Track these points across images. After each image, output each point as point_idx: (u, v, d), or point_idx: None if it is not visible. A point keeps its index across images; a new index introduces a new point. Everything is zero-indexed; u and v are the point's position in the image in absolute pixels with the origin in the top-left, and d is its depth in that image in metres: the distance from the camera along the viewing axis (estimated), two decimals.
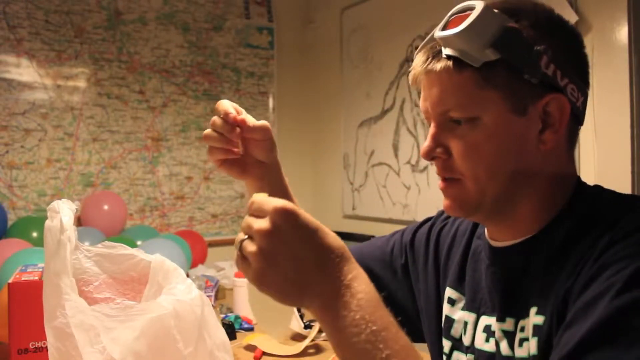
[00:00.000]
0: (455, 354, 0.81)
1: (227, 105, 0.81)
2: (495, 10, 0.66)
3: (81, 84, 2.61)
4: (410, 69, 0.74)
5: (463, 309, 0.80)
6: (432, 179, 2.40)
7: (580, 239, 0.65)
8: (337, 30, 3.02)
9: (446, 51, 0.68)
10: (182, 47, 2.87)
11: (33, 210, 2.48)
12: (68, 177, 2.58)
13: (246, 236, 0.56)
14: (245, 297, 1.77)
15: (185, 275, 0.86)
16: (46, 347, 0.73)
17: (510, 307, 0.71)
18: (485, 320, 0.75)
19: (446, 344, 0.82)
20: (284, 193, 0.90)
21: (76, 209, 0.81)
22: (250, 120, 0.82)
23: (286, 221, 0.55)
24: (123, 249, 0.89)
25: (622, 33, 1.71)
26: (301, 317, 1.67)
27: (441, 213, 0.93)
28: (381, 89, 2.71)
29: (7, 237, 2.22)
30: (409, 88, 2.55)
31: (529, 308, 0.68)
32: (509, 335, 0.70)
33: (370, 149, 2.80)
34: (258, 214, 0.56)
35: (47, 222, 0.79)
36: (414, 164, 2.52)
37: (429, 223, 0.94)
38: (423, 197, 2.45)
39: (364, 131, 2.84)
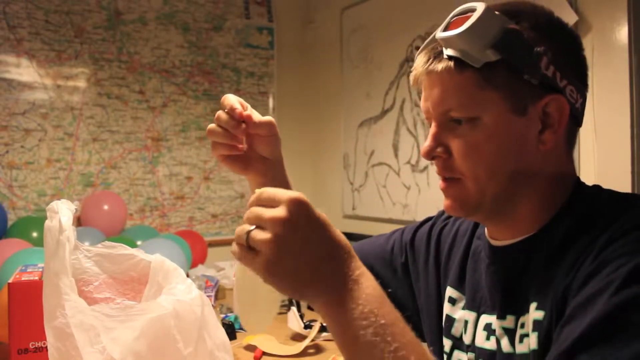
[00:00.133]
0: (456, 353, 0.81)
1: (233, 100, 0.80)
2: (496, 12, 0.67)
3: (81, 84, 2.61)
4: (411, 70, 0.75)
5: (463, 308, 0.81)
6: (432, 179, 2.40)
7: (579, 237, 0.65)
8: (337, 30, 3.02)
9: (447, 52, 0.69)
10: (182, 47, 2.87)
11: (33, 210, 2.48)
12: (68, 177, 2.58)
13: (252, 227, 0.55)
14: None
15: (185, 275, 0.86)
16: (46, 347, 0.73)
17: (510, 305, 0.72)
18: (485, 318, 0.76)
19: (447, 343, 0.83)
20: (286, 189, 0.90)
21: (75, 209, 0.81)
22: (256, 116, 0.81)
23: (302, 211, 0.55)
24: (123, 249, 0.89)
25: (622, 33, 1.71)
26: (301, 317, 1.67)
27: (442, 213, 0.94)
28: (381, 89, 2.71)
29: (7, 237, 2.22)
30: (409, 88, 2.55)
31: (528, 304, 0.68)
32: (510, 333, 0.71)
33: (370, 149, 2.80)
34: (270, 204, 0.56)
35: (47, 223, 0.79)
36: (414, 164, 2.52)
37: (430, 223, 0.94)
38: (423, 197, 2.45)
39: (364, 131, 2.84)
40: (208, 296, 1.60)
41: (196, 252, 2.54)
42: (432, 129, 0.73)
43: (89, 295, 0.86)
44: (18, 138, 2.47)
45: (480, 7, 0.67)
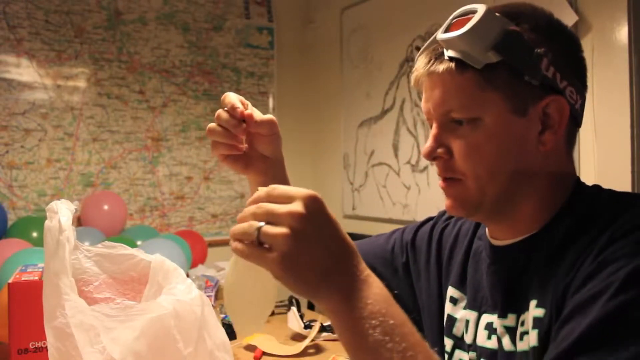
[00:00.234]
0: (457, 352, 0.81)
1: (233, 98, 0.79)
2: (497, 14, 0.68)
3: (81, 84, 2.61)
4: (412, 70, 0.76)
5: (465, 307, 0.81)
6: (432, 179, 2.40)
7: (579, 236, 0.66)
8: (337, 30, 3.02)
9: (448, 53, 0.69)
10: (182, 47, 2.87)
11: (33, 210, 2.48)
12: (68, 177, 2.58)
13: (262, 223, 0.55)
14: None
15: (185, 275, 0.86)
16: (46, 347, 0.73)
17: (511, 304, 0.72)
18: (486, 318, 0.76)
19: (448, 343, 0.83)
20: None
21: (75, 209, 0.81)
22: (257, 115, 0.80)
23: (318, 208, 0.55)
24: (123, 249, 0.89)
25: (622, 33, 1.71)
26: (301, 317, 1.67)
27: (443, 213, 0.94)
28: (381, 89, 2.71)
29: (7, 237, 2.22)
30: (409, 88, 2.55)
31: (528, 302, 0.69)
32: (511, 331, 0.71)
33: (370, 149, 2.80)
34: (283, 200, 0.55)
35: (47, 223, 0.79)
36: (414, 164, 2.52)
37: (431, 223, 0.94)
38: (423, 197, 2.46)
39: (364, 131, 2.84)
40: (208, 296, 1.60)
41: (196, 252, 2.54)
42: (433, 129, 0.73)
43: (89, 295, 0.86)
44: (18, 138, 2.47)
45: (481, 9, 0.67)
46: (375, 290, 0.57)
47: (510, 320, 0.72)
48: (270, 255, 0.54)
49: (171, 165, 2.85)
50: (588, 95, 0.74)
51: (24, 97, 2.48)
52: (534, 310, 0.67)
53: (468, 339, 0.79)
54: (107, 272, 0.88)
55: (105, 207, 2.48)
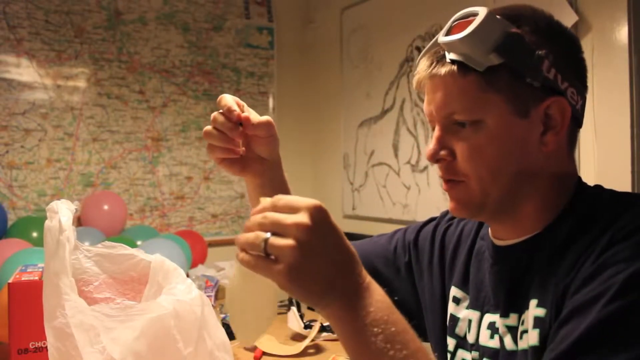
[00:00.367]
0: (460, 352, 0.82)
1: (230, 100, 0.78)
2: (498, 17, 0.68)
3: (81, 84, 2.61)
4: (414, 73, 0.76)
5: (467, 307, 0.81)
6: (432, 179, 2.40)
7: (580, 236, 0.66)
8: (337, 30, 3.02)
9: (450, 56, 0.70)
10: (182, 47, 2.87)
11: (33, 210, 2.48)
12: (68, 177, 2.58)
13: (268, 234, 0.55)
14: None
15: (185, 275, 0.86)
16: (46, 347, 0.73)
17: (513, 304, 0.73)
18: (489, 317, 0.77)
19: (450, 342, 0.83)
20: (284, 190, 0.90)
21: (75, 209, 0.81)
22: (254, 117, 0.80)
23: (323, 218, 0.55)
24: (123, 249, 0.89)
25: (622, 33, 1.71)
26: (301, 317, 1.67)
27: (445, 213, 0.95)
28: (381, 89, 2.71)
29: (7, 237, 2.22)
30: (409, 88, 2.55)
31: (529, 301, 0.69)
32: (513, 330, 0.72)
33: (370, 149, 2.80)
34: (288, 210, 0.55)
35: (47, 223, 0.79)
36: (414, 164, 2.52)
37: (434, 223, 0.95)
38: (423, 197, 2.45)
39: (364, 131, 2.84)
40: (208, 296, 1.60)
41: (196, 252, 2.53)
42: (436, 132, 0.74)
43: (89, 295, 0.86)
44: (18, 138, 2.47)
45: (482, 12, 0.67)
46: (377, 298, 0.58)
47: (512, 319, 0.72)
48: (277, 267, 0.54)
49: (171, 165, 2.85)
50: (588, 96, 0.75)
51: (24, 97, 2.48)
52: (535, 310, 0.68)
53: (471, 338, 0.79)
54: (107, 272, 0.88)
55: (105, 207, 2.48)
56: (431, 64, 0.72)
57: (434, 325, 0.88)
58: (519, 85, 0.68)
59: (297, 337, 1.62)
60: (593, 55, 1.72)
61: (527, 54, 0.67)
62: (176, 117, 2.85)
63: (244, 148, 0.84)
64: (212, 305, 1.12)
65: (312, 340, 1.53)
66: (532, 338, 0.67)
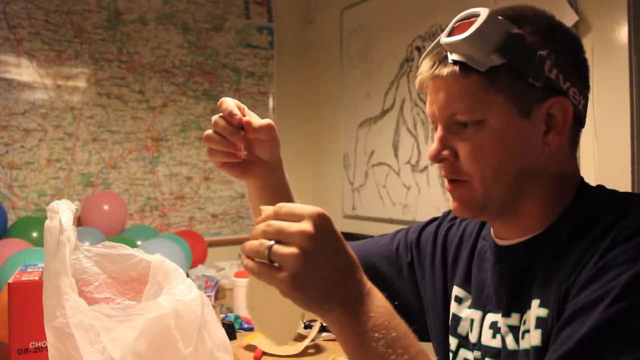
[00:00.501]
0: (462, 351, 0.82)
1: (230, 104, 0.78)
2: (500, 17, 0.68)
3: (81, 84, 2.61)
4: (417, 74, 0.76)
5: (470, 307, 0.82)
6: (432, 179, 2.40)
7: (582, 237, 0.66)
8: (337, 30, 3.02)
9: (452, 56, 0.70)
10: (182, 47, 2.87)
11: (33, 210, 2.48)
12: (68, 177, 2.58)
13: (272, 242, 0.55)
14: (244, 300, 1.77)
15: (185, 275, 0.86)
16: (46, 347, 0.73)
17: (515, 303, 0.73)
18: (491, 317, 0.77)
19: (453, 342, 0.83)
20: (285, 192, 0.90)
21: (76, 209, 0.81)
22: (255, 120, 0.79)
23: (325, 226, 0.56)
24: (123, 249, 0.89)
25: (622, 33, 1.71)
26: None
27: (447, 213, 0.95)
28: (381, 89, 2.71)
29: (7, 237, 2.22)
30: (409, 88, 2.55)
31: (531, 301, 0.69)
32: (514, 330, 0.72)
33: (370, 149, 2.80)
34: (291, 218, 0.56)
35: (47, 223, 0.79)
36: (414, 164, 2.52)
37: (436, 223, 0.95)
38: (423, 197, 2.45)
39: (364, 131, 2.84)
40: (208, 296, 1.60)
41: (196, 252, 2.53)
42: (438, 132, 0.74)
43: (89, 295, 0.86)
44: (18, 138, 2.47)
45: (484, 13, 0.68)
46: (378, 303, 0.58)
47: (514, 319, 0.72)
48: (280, 275, 0.55)
49: (171, 165, 2.85)
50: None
51: (24, 97, 2.48)
52: (537, 310, 0.68)
53: (473, 338, 0.79)
54: (107, 272, 0.88)
55: (105, 207, 2.48)
56: (433, 64, 0.72)
57: (435, 325, 0.88)
58: (521, 86, 0.68)
59: (297, 337, 1.62)
60: (593, 55, 1.72)
61: (529, 54, 0.67)
62: (176, 117, 2.85)
63: (245, 152, 0.83)
64: (212, 305, 1.12)
65: (312, 340, 1.53)
66: (534, 338, 0.67)
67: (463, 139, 0.71)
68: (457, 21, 0.71)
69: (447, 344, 0.84)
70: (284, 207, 0.57)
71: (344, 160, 2.99)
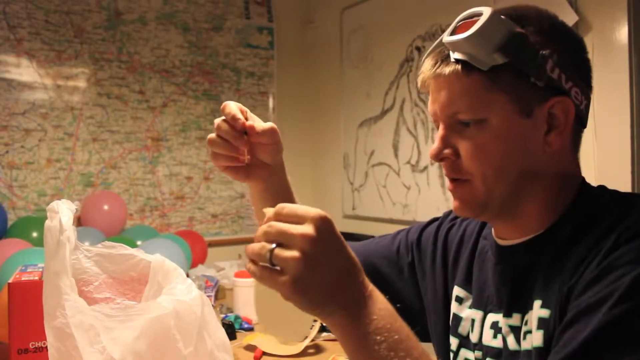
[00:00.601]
0: (463, 351, 0.82)
1: (234, 108, 0.78)
2: (502, 17, 0.68)
3: (81, 84, 2.61)
4: (419, 73, 0.76)
5: (470, 307, 0.82)
6: (432, 179, 2.40)
7: (584, 237, 0.66)
8: (337, 30, 3.02)
9: (455, 55, 0.70)
10: (182, 47, 2.87)
11: (33, 210, 2.48)
12: (68, 177, 2.58)
13: (273, 245, 0.55)
14: (248, 298, 1.77)
15: (185, 275, 0.86)
16: (46, 347, 0.73)
17: (516, 303, 0.73)
18: (492, 317, 0.77)
19: (453, 342, 0.83)
20: (288, 194, 0.90)
21: (76, 209, 0.81)
22: (258, 125, 0.79)
23: (327, 229, 0.55)
24: (123, 249, 0.89)
25: (622, 33, 1.71)
26: None
27: (448, 214, 0.95)
28: (381, 89, 2.71)
29: (7, 237, 2.22)
30: (409, 88, 2.55)
31: (533, 301, 0.69)
32: (516, 330, 0.72)
33: (370, 149, 2.80)
34: (293, 220, 0.56)
35: (47, 223, 0.78)
36: (414, 164, 2.52)
37: (437, 223, 0.95)
38: (423, 197, 2.45)
39: (364, 131, 2.84)
40: (208, 296, 1.60)
41: (196, 252, 2.53)
42: (440, 131, 0.74)
43: (89, 295, 0.86)
44: (18, 138, 2.47)
45: (486, 12, 0.68)
46: (380, 306, 0.58)
47: (515, 319, 0.72)
48: (282, 278, 0.54)
49: (171, 165, 2.85)
50: None
51: (24, 97, 2.48)
52: (539, 311, 0.68)
53: (474, 338, 0.79)
54: (107, 272, 0.88)
55: (105, 207, 2.48)
56: (435, 63, 0.72)
57: (436, 325, 0.88)
58: (523, 85, 0.68)
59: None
60: (593, 55, 1.71)
61: (531, 53, 0.67)
62: (176, 117, 2.85)
63: (249, 156, 0.83)
64: (212, 305, 1.12)
65: (312, 340, 1.53)
66: (536, 339, 0.67)
67: (465, 137, 0.71)
68: (460, 20, 0.71)
69: (448, 344, 0.84)
70: (285, 207, 0.57)
71: (344, 160, 2.99)
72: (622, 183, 1.68)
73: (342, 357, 1.37)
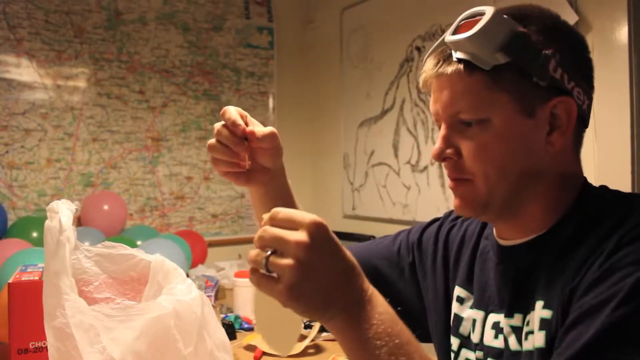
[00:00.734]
0: (464, 351, 0.82)
1: (234, 114, 0.78)
2: (505, 16, 0.68)
3: (81, 84, 2.61)
4: (421, 73, 0.76)
5: (472, 307, 0.82)
6: (432, 179, 2.40)
7: (586, 238, 0.66)
8: (337, 30, 3.02)
9: (457, 55, 0.70)
10: (182, 47, 2.87)
11: (33, 210, 2.48)
12: (68, 177, 2.58)
13: (269, 251, 0.55)
14: (248, 298, 1.77)
15: (185, 275, 0.86)
16: (46, 347, 0.73)
17: (518, 303, 0.73)
18: (493, 317, 0.77)
19: (454, 342, 0.83)
20: (288, 198, 0.90)
21: (75, 209, 0.81)
22: (259, 130, 0.79)
23: (322, 235, 0.55)
24: (123, 249, 0.89)
25: (622, 33, 1.71)
26: None
27: (449, 214, 0.95)
28: (381, 89, 2.71)
29: (7, 237, 2.22)
30: (409, 88, 2.55)
31: (535, 302, 0.69)
32: (517, 331, 0.72)
33: (370, 149, 2.80)
34: (288, 225, 0.56)
35: (47, 223, 0.79)
36: (414, 164, 2.52)
37: (437, 223, 0.95)
38: (423, 197, 2.45)
39: (364, 131, 2.84)
40: (208, 296, 1.59)
41: (196, 252, 2.53)
42: (442, 130, 0.74)
43: (89, 295, 0.86)
44: (18, 138, 2.47)
45: (489, 11, 0.68)
46: (380, 310, 0.58)
47: (517, 319, 0.72)
48: (278, 286, 0.55)
49: (171, 165, 2.85)
50: None
51: (24, 97, 2.48)
52: (541, 311, 0.68)
53: (475, 338, 0.79)
54: (107, 272, 0.88)
55: (105, 207, 2.48)
56: (437, 62, 0.72)
57: (437, 325, 0.88)
58: (525, 85, 0.68)
59: (298, 337, 1.62)
60: (593, 55, 1.72)
61: (534, 53, 0.67)
62: (176, 117, 2.85)
63: (250, 162, 0.83)
64: (212, 305, 1.12)
65: (312, 340, 1.53)
66: (538, 340, 0.67)
67: (467, 137, 0.71)
68: (462, 19, 0.71)
69: (449, 344, 0.84)
70: (281, 212, 0.57)
71: (344, 160, 2.99)
72: (622, 183, 1.68)
73: (342, 357, 1.37)
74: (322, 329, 1.59)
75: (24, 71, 2.48)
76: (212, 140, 0.79)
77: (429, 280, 0.91)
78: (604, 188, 0.74)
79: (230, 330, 1.59)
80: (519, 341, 0.71)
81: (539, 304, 0.68)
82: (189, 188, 2.90)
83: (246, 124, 0.79)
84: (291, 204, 0.90)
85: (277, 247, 0.55)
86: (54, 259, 0.75)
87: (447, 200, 2.27)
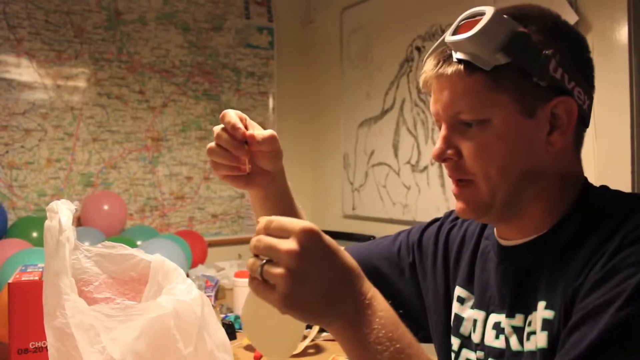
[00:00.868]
0: (464, 351, 0.82)
1: (234, 117, 0.77)
2: (505, 16, 0.68)
3: (81, 84, 2.61)
4: (421, 73, 0.76)
5: (472, 307, 0.81)
6: (432, 179, 2.40)
7: (587, 238, 0.66)
8: (337, 30, 3.02)
9: (457, 55, 0.70)
10: (182, 47, 2.87)
11: (33, 210, 2.48)
12: (68, 177, 2.58)
13: (264, 260, 0.55)
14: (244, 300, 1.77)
15: (185, 275, 0.86)
16: (46, 347, 0.73)
17: (519, 304, 0.73)
18: (494, 317, 0.77)
19: (455, 342, 0.83)
20: (288, 200, 0.90)
21: (75, 209, 0.81)
22: (258, 134, 0.79)
23: (313, 242, 0.55)
24: (123, 249, 0.89)
25: (622, 33, 1.71)
26: None
27: (449, 214, 0.95)
28: (381, 89, 2.71)
29: (7, 237, 2.22)
30: (409, 88, 2.55)
31: (536, 302, 0.69)
32: (519, 331, 0.72)
33: (370, 149, 2.80)
34: (280, 234, 0.56)
35: (47, 223, 0.79)
36: (414, 164, 2.52)
37: (438, 223, 0.95)
38: (423, 197, 2.45)
39: (364, 131, 2.84)
40: (208, 296, 1.59)
41: (196, 252, 2.53)
42: (443, 131, 0.74)
43: (89, 295, 0.86)
44: (18, 138, 2.47)
45: (489, 11, 0.67)
46: (380, 314, 0.58)
47: (518, 320, 0.72)
48: (273, 294, 0.55)
49: (171, 165, 2.85)
50: None
51: (24, 97, 2.48)
52: (543, 312, 0.67)
53: (476, 338, 0.79)
54: (107, 272, 0.88)
55: (105, 207, 2.48)
56: (438, 63, 0.72)
57: (437, 325, 0.88)
58: (525, 85, 0.68)
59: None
60: (593, 55, 1.72)
61: (534, 53, 0.67)
62: (176, 117, 2.85)
63: (250, 165, 0.82)
64: (212, 305, 1.12)
65: (312, 340, 1.53)
66: (540, 340, 0.67)
67: (467, 138, 0.71)
68: (462, 20, 0.71)
69: (449, 344, 0.84)
70: (274, 221, 0.56)
71: (344, 160, 2.99)
72: (622, 183, 1.68)
73: (342, 357, 1.37)
74: (322, 329, 1.59)
75: (24, 71, 2.48)
76: (212, 144, 0.79)
77: (429, 280, 0.91)
78: (604, 188, 0.74)
79: (230, 330, 1.59)
80: (521, 341, 0.71)
81: (541, 304, 0.68)
82: (189, 188, 2.90)
83: (246, 127, 0.79)
84: (291, 206, 0.90)
85: (270, 256, 0.55)
86: (54, 259, 0.75)
87: (447, 200, 2.27)
